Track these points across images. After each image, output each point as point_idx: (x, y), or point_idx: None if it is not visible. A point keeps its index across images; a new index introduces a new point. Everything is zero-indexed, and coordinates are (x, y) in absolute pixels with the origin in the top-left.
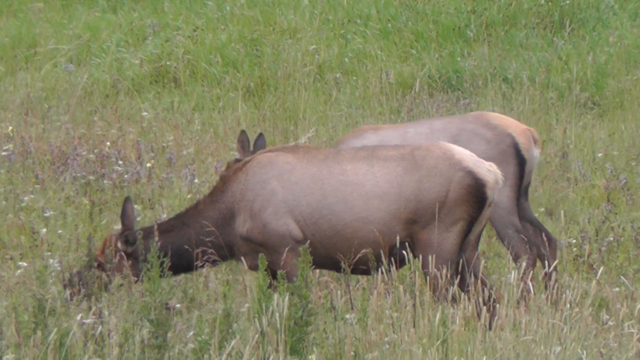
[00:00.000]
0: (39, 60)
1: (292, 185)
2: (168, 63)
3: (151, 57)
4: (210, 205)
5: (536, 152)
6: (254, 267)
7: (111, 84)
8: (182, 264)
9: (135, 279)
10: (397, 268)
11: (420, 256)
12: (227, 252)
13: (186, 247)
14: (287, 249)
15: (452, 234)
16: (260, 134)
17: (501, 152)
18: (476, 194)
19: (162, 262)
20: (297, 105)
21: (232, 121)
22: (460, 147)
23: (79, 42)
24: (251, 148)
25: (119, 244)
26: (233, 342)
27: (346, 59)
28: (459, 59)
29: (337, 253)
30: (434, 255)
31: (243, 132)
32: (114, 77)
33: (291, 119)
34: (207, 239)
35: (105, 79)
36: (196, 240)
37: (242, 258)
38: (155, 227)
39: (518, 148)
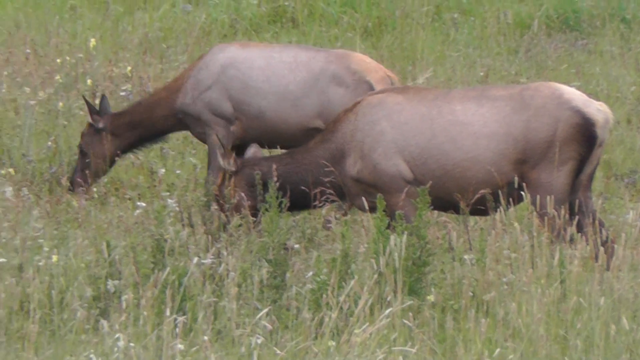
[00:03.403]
0: (157, 0)
1: (402, 125)
2: (286, 3)
3: None
4: (321, 145)
5: None
6: (364, 208)
7: (229, 23)
8: (298, 203)
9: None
10: (514, 204)
11: (532, 196)
12: (343, 191)
13: (302, 187)
14: (405, 190)
15: (563, 174)
16: (103, 96)
17: (357, 96)
18: (585, 133)
19: (281, 203)
20: (415, 45)
21: None
22: (322, 88)
23: None
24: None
25: (230, 162)
26: (351, 282)
27: None
28: None
29: (450, 194)
30: (545, 195)
31: (84, 97)
32: (232, 16)
33: (409, 59)
34: (325, 179)
35: (223, 18)
36: (314, 180)
37: (363, 198)
38: (274, 167)
39: None
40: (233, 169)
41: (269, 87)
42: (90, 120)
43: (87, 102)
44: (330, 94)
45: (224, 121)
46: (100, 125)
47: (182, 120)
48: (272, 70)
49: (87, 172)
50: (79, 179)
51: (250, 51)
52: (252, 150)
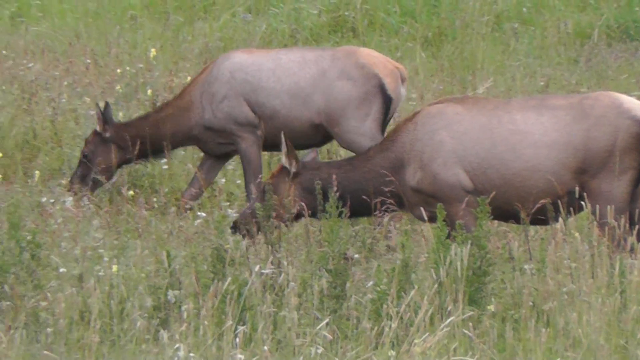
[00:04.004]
0: (217, 9)
1: (461, 135)
2: (346, 13)
3: (329, 7)
4: (380, 154)
5: (403, 90)
6: (423, 218)
7: (289, 33)
8: (357, 210)
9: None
10: (575, 214)
11: (591, 205)
12: (402, 200)
13: (363, 197)
14: (465, 200)
15: (623, 183)
16: (107, 104)
17: (366, 91)
18: None
19: (341, 213)
20: (475, 55)
21: (410, 71)
22: (330, 84)
23: None
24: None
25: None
26: (411, 292)
27: (524, 9)
28: (637, 8)
29: (510, 203)
30: (605, 205)
31: (97, 105)
32: (292, 26)
33: (469, 69)
34: (386, 189)
35: (283, 28)
36: (374, 189)
37: (422, 208)
38: (334, 177)
39: (384, 88)
40: (294, 170)
41: (280, 86)
42: (99, 128)
43: (100, 110)
44: (336, 89)
45: (249, 127)
46: (108, 135)
47: (196, 137)
48: (281, 69)
49: (86, 179)
50: (76, 185)
51: (257, 55)
52: (312, 156)
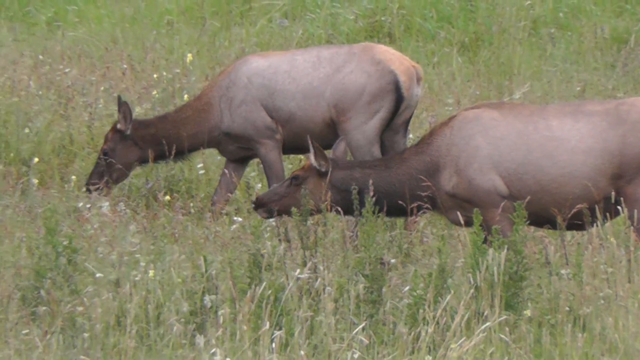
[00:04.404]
0: (254, 15)
1: (497, 140)
2: (383, 18)
3: (366, 12)
4: (415, 156)
5: (417, 90)
6: (459, 222)
7: (326, 39)
8: (392, 212)
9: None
10: (611, 219)
11: (628, 210)
12: (437, 204)
13: (399, 202)
14: (501, 205)
15: None
16: (119, 99)
17: (380, 87)
18: None
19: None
20: (512, 60)
21: (446, 76)
22: (343, 78)
23: None
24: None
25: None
26: (448, 297)
27: (561, 14)
28: None
29: (546, 209)
30: None
31: (119, 98)
32: (329, 32)
33: (505, 74)
34: (422, 194)
35: (319, 34)
36: (410, 192)
37: (458, 213)
38: (370, 182)
39: (398, 85)
40: (324, 170)
41: (295, 87)
42: (120, 125)
43: (128, 107)
44: (349, 81)
45: (268, 132)
46: (129, 132)
47: (217, 139)
48: (296, 70)
49: (105, 176)
50: (95, 183)
51: (273, 58)
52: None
